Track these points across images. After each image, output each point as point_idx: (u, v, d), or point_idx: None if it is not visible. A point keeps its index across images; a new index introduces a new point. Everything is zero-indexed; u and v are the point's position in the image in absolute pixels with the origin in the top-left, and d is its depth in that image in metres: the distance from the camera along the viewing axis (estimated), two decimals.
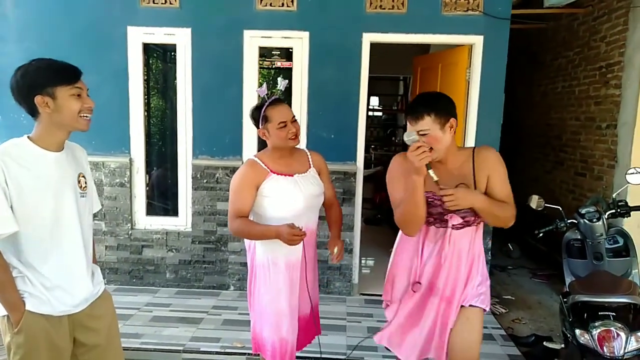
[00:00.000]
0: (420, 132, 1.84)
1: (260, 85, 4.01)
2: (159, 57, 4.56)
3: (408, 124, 1.91)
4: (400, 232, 2.13)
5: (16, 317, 1.62)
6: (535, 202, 2.77)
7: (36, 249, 1.64)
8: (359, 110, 3.96)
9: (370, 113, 9.28)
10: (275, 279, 2.14)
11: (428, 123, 1.85)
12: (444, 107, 1.89)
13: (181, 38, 3.96)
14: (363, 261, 5.07)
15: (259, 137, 4.08)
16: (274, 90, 2.17)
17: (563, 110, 5.25)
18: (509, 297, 4.30)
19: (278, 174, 2.13)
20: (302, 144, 4.05)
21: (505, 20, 3.79)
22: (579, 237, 2.72)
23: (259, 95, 2.19)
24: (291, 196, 2.12)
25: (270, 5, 3.86)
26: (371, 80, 4.13)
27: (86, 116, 1.66)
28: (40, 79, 1.59)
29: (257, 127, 2.18)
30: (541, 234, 2.76)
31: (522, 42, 6.05)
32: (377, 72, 6.34)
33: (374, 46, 3.96)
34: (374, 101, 9.17)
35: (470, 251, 2.03)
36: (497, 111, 3.92)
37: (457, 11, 3.80)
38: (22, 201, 1.57)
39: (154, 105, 4.59)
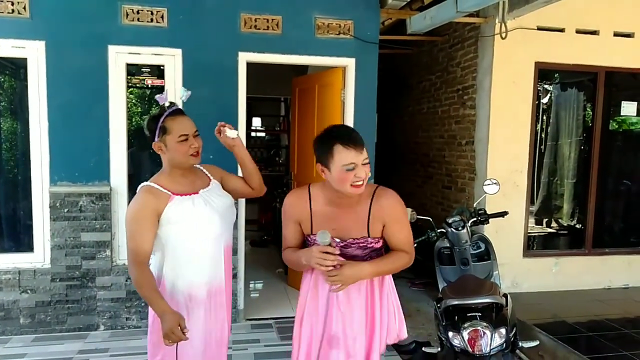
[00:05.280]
0: (365, 162, 1.71)
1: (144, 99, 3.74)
2: (10, 74, 4.03)
3: (345, 153, 1.67)
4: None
5: None
6: (408, 214, 2.91)
7: None
8: (238, 129, 3.86)
9: (254, 134, 9.21)
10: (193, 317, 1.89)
11: (365, 153, 1.73)
12: None
13: (32, 52, 3.53)
14: (250, 285, 4.93)
15: (129, 160, 3.85)
16: (172, 101, 1.93)
17: (429, 129, 5.71)
18: None
19: (182, 194, 1.85)
20: None
21: (374, 45, 4.01)
22: (448, 245, 2.91)
23: (157, 104, 1.91)
24: (203, 215, 1.86)
25: (138, 20, 3.63)
26: (253, 101, 4.10)
27: None
28: None
29: (152, 140, 1.88)
30: (415, 244, 2.90)
31: (392, 66, 6.50)
32: (259, 93, 6.35)
33: (253, 66, 3.93)
34: (257, 122, 9.14)
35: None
36: (371, 130, 4.11)
37: (329, 34, 3.94)
38: None
39: (4, 126, 4.03)
